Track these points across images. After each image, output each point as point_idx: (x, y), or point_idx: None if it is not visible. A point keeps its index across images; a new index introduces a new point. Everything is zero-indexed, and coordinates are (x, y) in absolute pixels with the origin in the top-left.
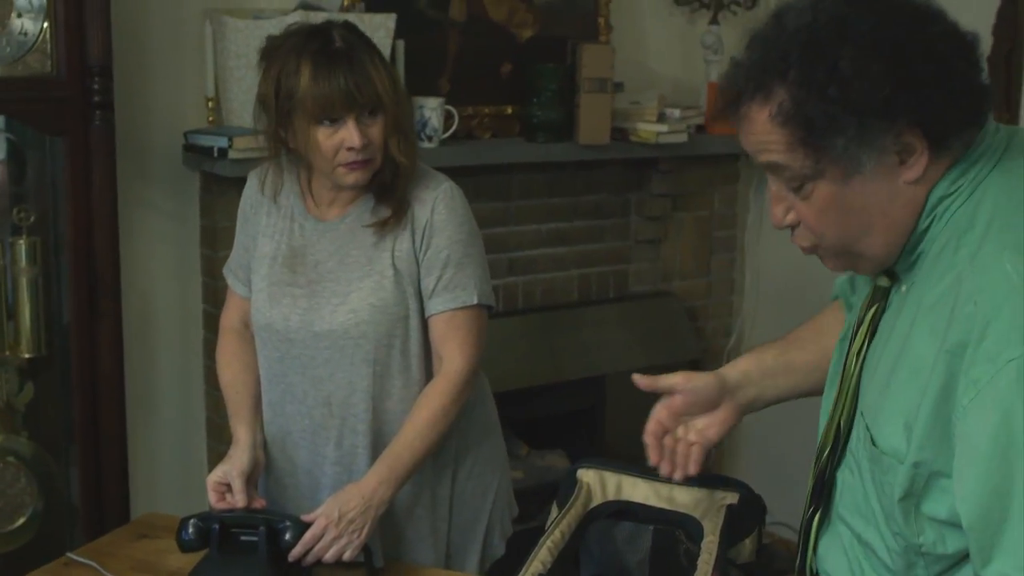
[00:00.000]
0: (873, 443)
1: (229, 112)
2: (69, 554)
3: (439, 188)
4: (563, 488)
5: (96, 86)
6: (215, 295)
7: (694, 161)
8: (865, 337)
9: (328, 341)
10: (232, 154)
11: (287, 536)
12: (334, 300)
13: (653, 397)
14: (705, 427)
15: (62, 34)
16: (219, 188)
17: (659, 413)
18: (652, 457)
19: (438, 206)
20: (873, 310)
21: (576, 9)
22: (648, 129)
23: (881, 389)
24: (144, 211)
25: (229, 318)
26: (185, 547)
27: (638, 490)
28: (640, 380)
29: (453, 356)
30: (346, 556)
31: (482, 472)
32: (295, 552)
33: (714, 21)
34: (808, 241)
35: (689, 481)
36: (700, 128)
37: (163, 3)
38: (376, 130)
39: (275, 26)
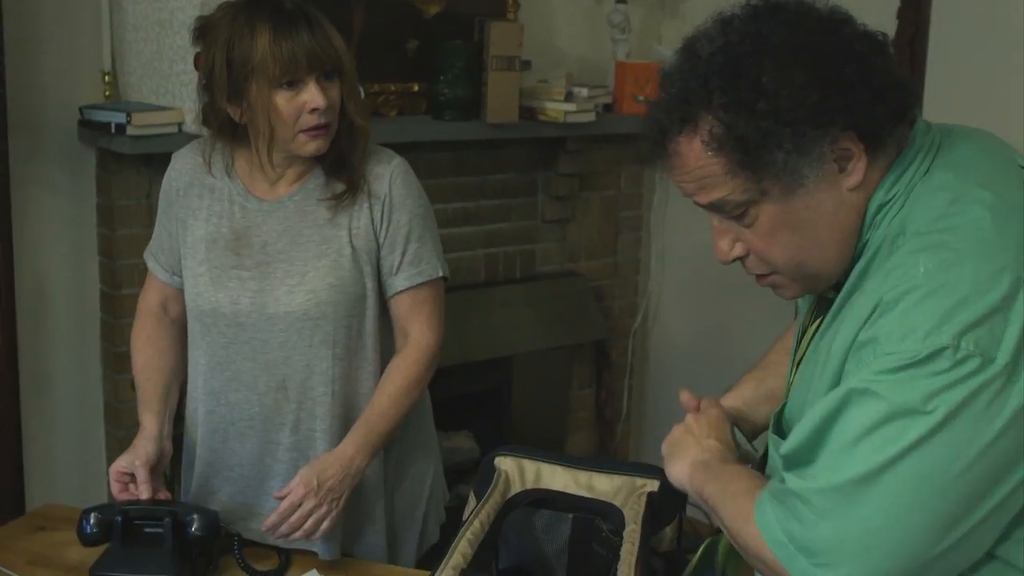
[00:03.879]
0: (774, 431)
1: (127, 86)
2: None
3: (392, 162)
4: (480, 476)
5: None
6: (112, 276)
7: (601, 140)
8: (805, 349)
9: (284, 324)
10: (130, 130)
11: (193, 528)
12: (289, 281)
13: (558, 378)
14: None
15: None
16: (116, 166)
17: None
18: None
19: (395, 180)
20: (817, 323)
21: None
22: (556, 108)
23: (804, 390)
24: (38, 189)
25: (147, 301)
26: (87, 540)
27: (557, 478)
28: (688, 402)
29: (423, 330)
30: (323, 527)
31: (418, 458)
32: (269, 522)
33: (622, 0)
34: (761, 269)
35: (608, 468)
36: (607, 107)
37: None
38: (335, 92)
39: None
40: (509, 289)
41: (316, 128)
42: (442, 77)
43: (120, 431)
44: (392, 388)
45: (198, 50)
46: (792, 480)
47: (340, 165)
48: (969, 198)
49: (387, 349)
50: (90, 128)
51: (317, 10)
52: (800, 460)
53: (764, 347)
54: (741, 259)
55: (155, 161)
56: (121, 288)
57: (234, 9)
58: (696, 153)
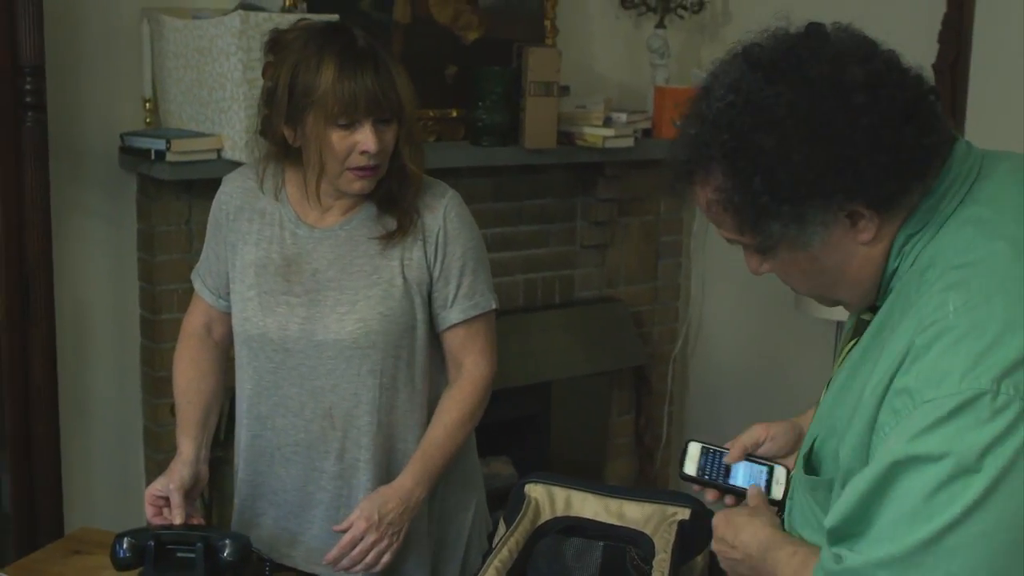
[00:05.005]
0: (806, 470)
1: (167, 113)
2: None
3: (446, 195)
4: (511, 504)
5: (28, 86)
6: (152, 301)
7: (640, 166)
8: (840, 368)
9: (333, 351)
10: (170, 157)
11: (225, 553)
12: (339, 309)
13: (597, 404)
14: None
15: None
16: (156, 191)
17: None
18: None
19: (449, 213)
20: (852, 343)
21: (522, 11)
22: (595, 133)
23: (830, 416)
24: (79, 215)
25: (192, 323)
26: (120, 565)
27: (587, 505)
28: (733, 454)
29: (477, 362)
30: (383, 560)
31: (461, 488)
32: (331, 556)
33: (660, 25)
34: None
35: (639, 496)
36: (646, 132)
37: (98, 2)
38: (390, 137)
39: (214, 26)
40: (548, 315)
41: (363, 169)
42: (480, 103)
43: (159, 455)
44: (448, 420)
45: (268, 59)
46: (849, 556)
47: (391, 204)
48: (997, 233)
49: (435, 381)
50: (130, 154)
51: (389, 52)
52: (849, 533)
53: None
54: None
55: (195, 187)
56: (161, 313)
57: (308, 34)
58: (707, 202)
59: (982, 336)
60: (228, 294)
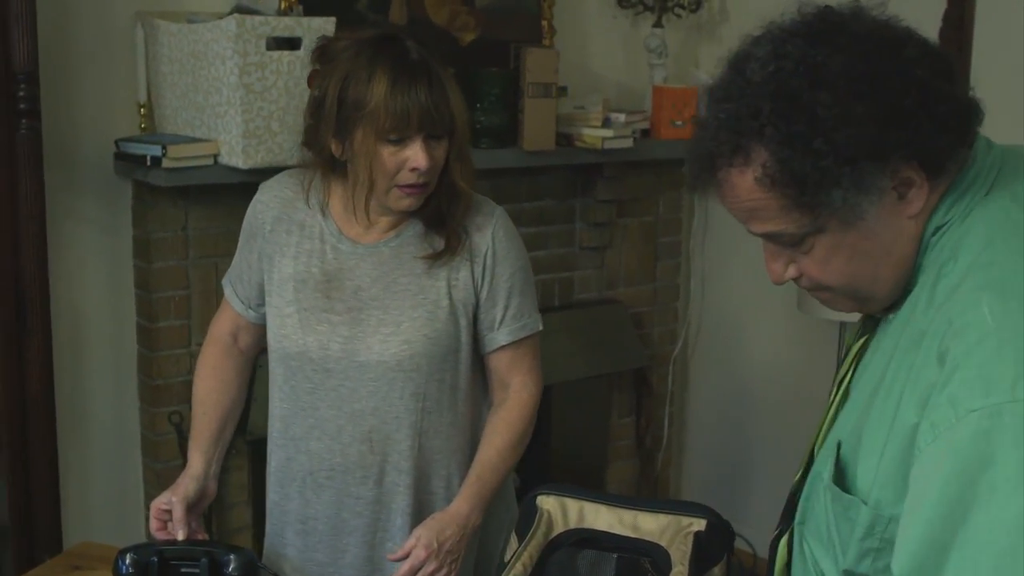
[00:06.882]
0: (837, 479)
1: (163, 119)
2: None
3: (494, 213)
4: (523, 517)
5: (21, 93)
6: (149, 308)
7: (639, 166)
8: (850, 367)
9: (375, 373)
10: (166, 163)
11: (230, 568)
12: (383, 329)
13: (597, 407)
14: None
15: None
16: (152, 198)
17: None
18: None
19: (498, 232)
20: (862, 341)
21: (519, 12)
22: (593, 134)
23: (860, 420)
24: (74, 223)
25: (219, 327)
26: None
27: (601, 517)
28: None
29: (525, 382)
30: None
31: (504, 510)
32: None
33: (658, 24)
34: (814, 287)
35: (653, 507)
36: (645, 133)
37: (91, 6)
38: (441, 152)
39: (210, 30)
40: (547, 317)
41: (413, 186)
42: (478, 105)
43: (157, 464)
44: (500, 443)
45: (315, 67)
46: None
47: (439, 222)
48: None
49: (476, 403)
50: (126, 160)
51: (441, 64)
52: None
53: (805, 373)
54: (795, 278)
55: (191, 193)
56: (158, 321)
57: (359, 44)
58: (748, 187)
59: None
60: (258, 305)
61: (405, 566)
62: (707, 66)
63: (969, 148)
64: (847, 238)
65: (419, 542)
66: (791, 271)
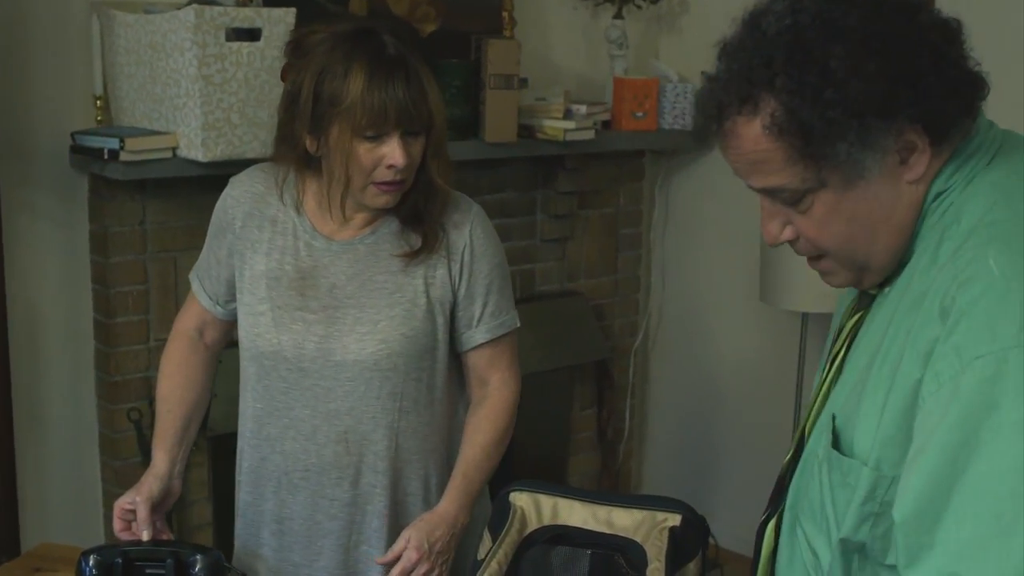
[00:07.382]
0: (835, 446)
1: (119, 111)
2: None
3: (472, 210)
4: (496, 514)
5: None
6: (106, 304)
7: (600, 158)
8: (844, 344)
9: (352, 372)
10: (124, 156)
11: (196, 569)
12: (359, 328)
13: (559, 399)
14: None
15: None
16: (109, 191)
17: None
18: None
19: (475, 230)
20: (856, 317)
21: (479, 3)
22: (555, 126)
23: (856, 390)
24: (29, 217)
25: (184, 322)
26: None
27: (575, 513)
28: None
29: (505, 379)
30: None
31: (479, 508)
32: None
33: (618, 15)
34: (811, 252)
35: (628, 502)
36: (606, 124)
37: None
38: (417, 149)
39: (168, 20)
40: None
41: (389, 183)
42: None
43: (116, 462)
44: (483, 440)
45: (289, 61)
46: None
47: (416, 219)
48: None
49: (453, 402)
50: (82, 154)
51: (419, 58)
52: (911, 539)
53: (767, 364)
54: (791, 241)
55: (148, 187)
56: (115, 316)
57: (335, 38)
58: (755, 136)
59: None
60: (227, 301)
61: (397, 568)
62: (668, 57)
63: (973, 120)
64: (847, 198)
65: (410, 544)
66: (788, 232)
